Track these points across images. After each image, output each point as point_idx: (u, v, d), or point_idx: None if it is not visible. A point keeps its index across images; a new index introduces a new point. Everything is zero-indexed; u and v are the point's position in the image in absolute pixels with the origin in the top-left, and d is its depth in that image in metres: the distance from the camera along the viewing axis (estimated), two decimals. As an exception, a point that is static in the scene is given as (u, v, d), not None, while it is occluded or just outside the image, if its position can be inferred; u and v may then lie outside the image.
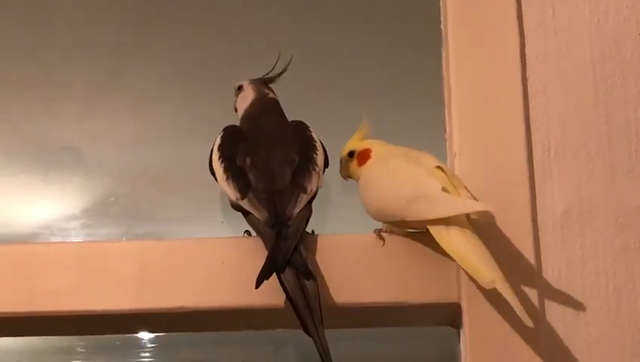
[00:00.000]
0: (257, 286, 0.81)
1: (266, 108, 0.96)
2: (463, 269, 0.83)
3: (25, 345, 1.14)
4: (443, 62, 0.97)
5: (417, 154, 0.89)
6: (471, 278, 0.83)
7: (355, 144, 0.92)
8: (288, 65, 0.98)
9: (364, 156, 0.91)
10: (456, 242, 0.82)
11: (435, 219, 0.83)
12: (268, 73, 0.99)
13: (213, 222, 1.11)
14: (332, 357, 0.81)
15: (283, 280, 0.82)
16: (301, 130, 0.93)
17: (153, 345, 1.14)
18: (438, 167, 0.86)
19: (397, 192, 0.85)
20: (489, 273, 0.80)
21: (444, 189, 0.83)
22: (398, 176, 0.86)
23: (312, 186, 0.88)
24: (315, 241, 0.88)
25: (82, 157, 1.22)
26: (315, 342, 0.81)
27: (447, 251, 0.82)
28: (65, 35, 1.27)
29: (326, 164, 0.92)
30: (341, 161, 0.93)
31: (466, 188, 0.85)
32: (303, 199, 0.87)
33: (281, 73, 0.98)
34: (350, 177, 0.93)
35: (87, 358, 1.15)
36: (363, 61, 1.21)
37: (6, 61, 1.26)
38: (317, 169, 0.90)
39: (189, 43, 1.25)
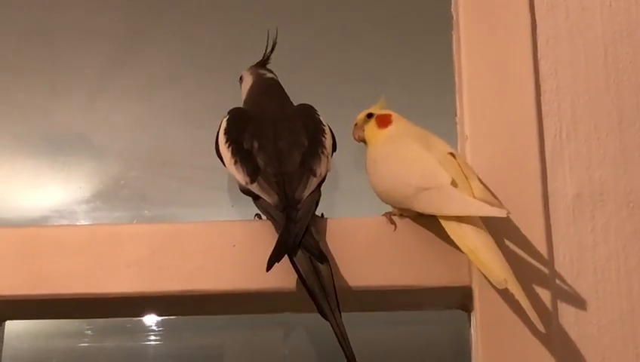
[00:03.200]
0: (268, 269, 0.81)
1: (264, 89, 0.97)
2: (474, 265, 0.83)
3: (34, 328, 1.14)
4: (454, 46, 0.96)
5: (432, 138, 0.88)
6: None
7: (374, 110, 0.92)
8: (276, 38, 0.99)
9: (385, 119, 0.91)
10: (468, 238, 0.81)
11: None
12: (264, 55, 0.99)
13: (224, 205, 1.11)
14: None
15: (296, 263, 0.82)
16: (309, 113, 0.93)
17: (162, 328, 1.14)
18: (451, 153, 0.86)
19: (404, 179, 0.84)
20: (501, 272, 0.79)
21: (453, 182, 0.82)
22: (407, 161, 0.85)
23: (321, 170, 0.88)
24: (325, 225, 0.87)
25: (92, 141, 1.22)
26: (332, 325, 0.81)
27: (459, 245, 0.82)
28: (73, 21, 1.27)
29: (334, 148, 0.92)
30: (356, 124, 0.93)
31: (478, 178, 0.85)
32: (313, 182, 0.86)
33: (272, 49, 0.99)
34: (363, 140, 0.92)
35: (96, 341, 1.15)
36: (373, 45, 1.21)
37: (15, 47, 1.26)
38: (326, 152, 0.89)
39: (199, 28, 1.25)
